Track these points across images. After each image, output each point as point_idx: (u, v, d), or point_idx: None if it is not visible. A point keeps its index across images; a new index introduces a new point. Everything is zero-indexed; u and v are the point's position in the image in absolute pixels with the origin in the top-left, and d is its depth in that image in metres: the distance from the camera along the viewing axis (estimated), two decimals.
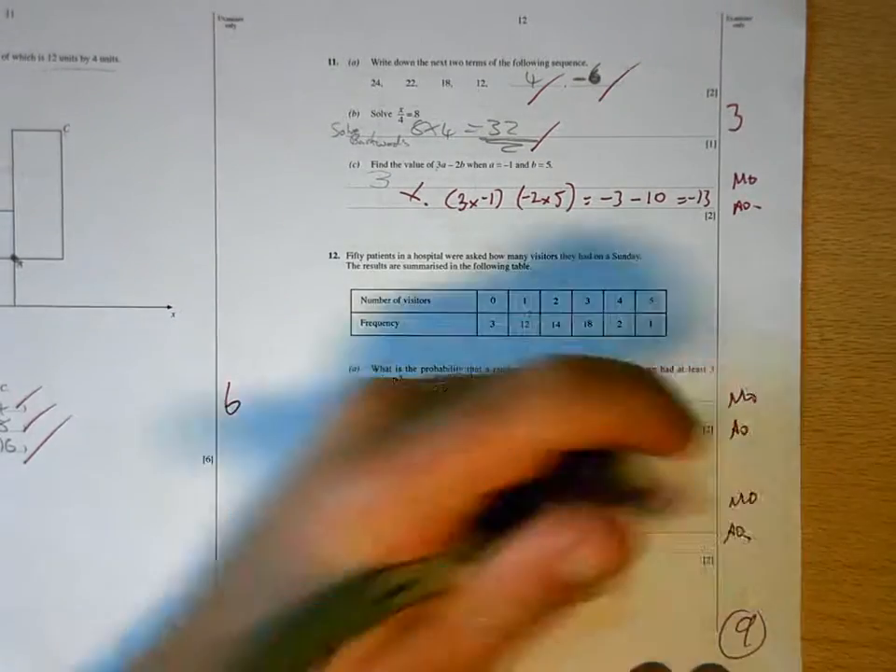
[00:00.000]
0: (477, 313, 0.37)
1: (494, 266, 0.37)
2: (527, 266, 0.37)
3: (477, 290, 0.37)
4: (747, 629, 0.37)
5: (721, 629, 0.37)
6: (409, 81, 0.37)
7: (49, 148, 0.37)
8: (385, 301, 0.37)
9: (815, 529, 0.37)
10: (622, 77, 0.37)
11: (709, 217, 0.37)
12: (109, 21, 0.37)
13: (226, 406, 0.37)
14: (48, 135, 0.37)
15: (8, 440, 0.37)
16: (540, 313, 0.37)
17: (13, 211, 0.37)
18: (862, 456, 0.38)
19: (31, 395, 0.37)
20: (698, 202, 0.37)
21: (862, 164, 0.38)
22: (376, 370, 0.37)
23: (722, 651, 0.37)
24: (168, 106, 0.37)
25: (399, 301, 0.37)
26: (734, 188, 0.37)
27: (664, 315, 0.37)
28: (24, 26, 0.37)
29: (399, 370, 0.37)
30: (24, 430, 0.37)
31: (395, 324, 0.37)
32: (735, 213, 0.37)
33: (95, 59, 0.37)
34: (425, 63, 0.37)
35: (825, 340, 0.38)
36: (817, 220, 0.38)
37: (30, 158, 0.37)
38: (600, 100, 0.37)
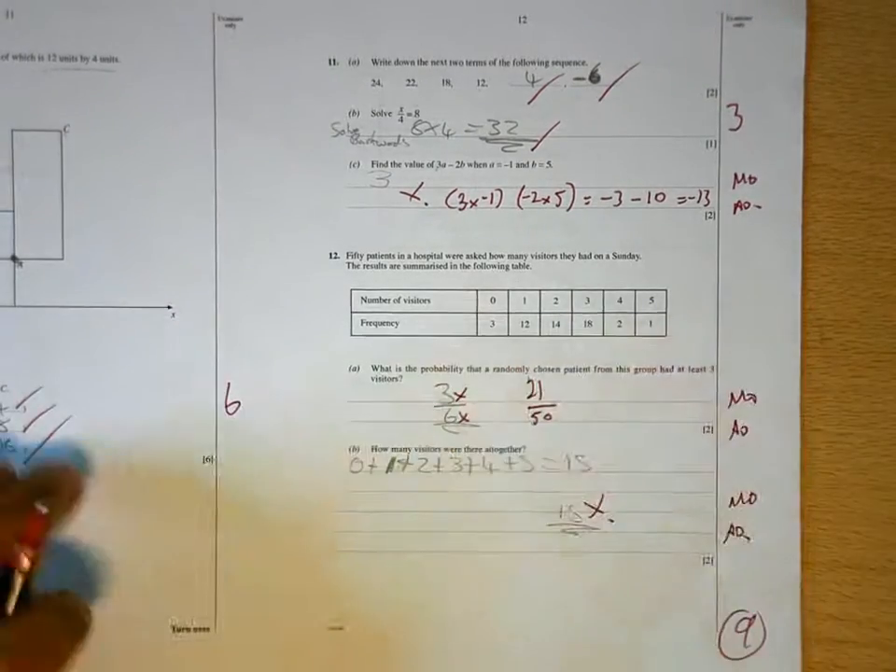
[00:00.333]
0: (477, 312, 0.37)
1: (494, 266, 0.37)
2: (527, 266, 0.37)
3: (477, 290, 0.37)
4: (746, 630, 0.37)
5: (721, 630, 0.37)
6: (409, 81, 0.37)
7: (50, 149, 0.37)
8: (385, 300, 0.37)
9: (815, 529, 0.37)
10: (622, 76, 0.37)
11: (709, 217, 0.37)
12: (109, 21, 0.37)
13: (226, 406, 0.37)
14: (48, 136, 0.37)
15: (8, 440, 0.37)
16: (540, 313, 0.37)
17: (13, 211, 0.37)
18: (862, 456, 0.38)
19: (31, 395, 0.37)
20: (698, 201, 0.37)
21: (862, 163, 0.38)
22: (376, 369, 0.37)
23: (722, 652, 0.37)
24: (168, 106, 0.37)
25: (399, 301, 0.37)
26: (734, 188, 0.37)
27: (664, 314, 0.37)
28: (24, 27, 0.37)
29: (399, 369, 0.37)
30: (24, 431, 0.37)
31: (395, 324, 0.37)
32: (735, 213, 0.37)
33: (95, 59, 0.37)
34: (425, 63, 0.37)
35: (825, 340, 0.38)
36: (817, 220, 0.38)
37: (30, 158, 0.37)
38: (600, 100, 0.37)
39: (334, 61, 0.37)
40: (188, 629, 0.37)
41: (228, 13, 0.37)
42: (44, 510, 0.33)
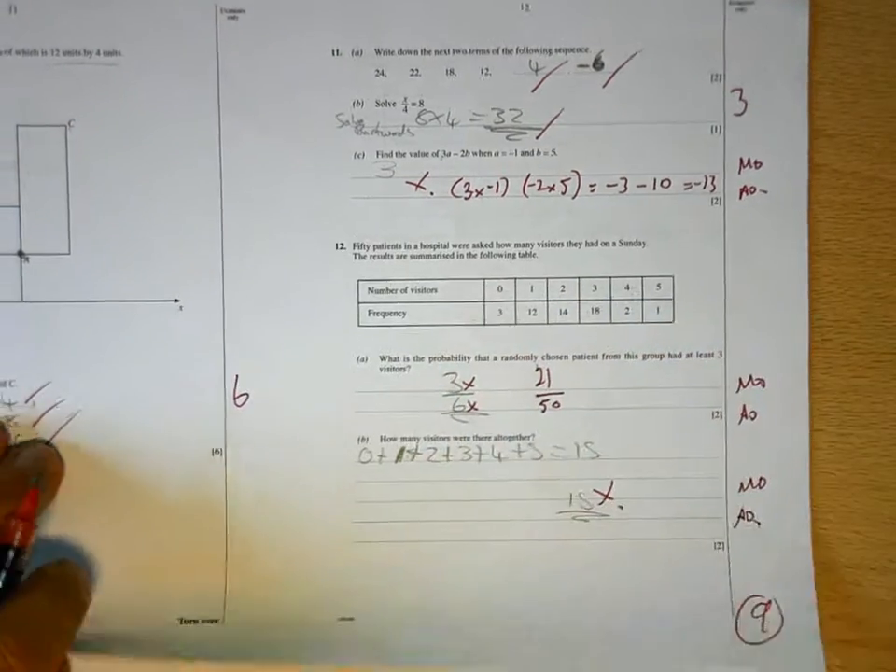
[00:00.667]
0: (484, 301, 0.37)
1: (500, 255, 0.37)
2: (534, 254, 0.37)
3: (484, 279, 0.37)
4: (763, 615, 0.37)
5: (737, 615, 0.37)
6: (413, 71, 0.37)
7: (55, 143, 0.37)
8: (392, 291, 0.37)
9: (815, 529, 0.37)
10: (625, 63, 0.37)
11: (716, 203, 0.37)
12: (111, 14, 0.37)
13: (234, 399, 0.37)
14: (53, 130, 0.37)
15: (18, 435, 0.37)
16: (547, 301, 0.37)
17: (19, 207, 0.37)
18: (862, 456, 0.38)
19: (39, 390, 0.37)
20: (704, 187, 0.37)
21: (863, 164, 0.38)
22: (384, 360, 0.37)
23: (740, 637, 0.37)
24: (172, 99, 0.37)
25: (406, 290, 0.37)
26: (739, 173, 0.37)
27: (671, 300, 0.37)
28: (27, 21, 0.37)
29: (407, 359, 0.37)
30: (34, 426, 0.37)
31: (402, 314, 0.37)
32: (741, 198, 0.37)
33: (98, 53, 0.37)
34: (428, 53, 0.37)
35: (825, 340, 0.38)
36: (818, 220, 0.37)
37: (35, 153, 0.37)
38: (604, 87, 0.37)
39: (337, 51, 0.37)
40: (195, 621, 0.37)
41: (230, 5, 0.37)
42: (37, 486, 0.34)
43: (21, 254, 0.37)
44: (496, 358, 0.37)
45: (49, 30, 0.37)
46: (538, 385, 0.37)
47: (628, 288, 0.37)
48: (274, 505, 0.37)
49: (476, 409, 0.37)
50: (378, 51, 0.37)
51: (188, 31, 0.37)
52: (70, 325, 0.37)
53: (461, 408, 0.37)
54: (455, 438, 0.37)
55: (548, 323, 0.37)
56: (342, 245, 0.37)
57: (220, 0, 0.37)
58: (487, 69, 0.37)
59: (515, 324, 0.37)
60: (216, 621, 0.37)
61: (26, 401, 0.37)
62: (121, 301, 0.37)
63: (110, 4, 0.37)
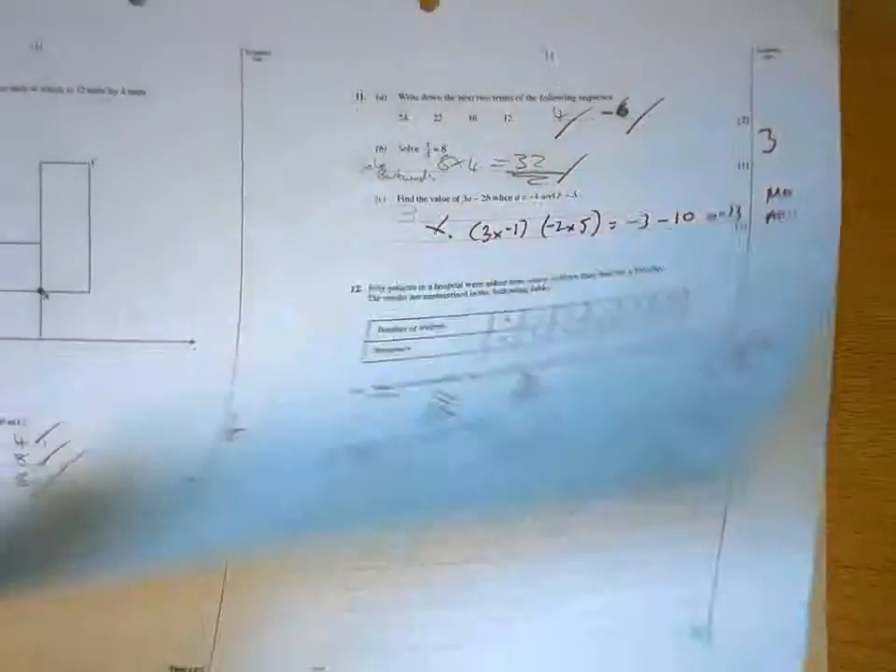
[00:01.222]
0: (490, 332, 0.37)
1: (514, 290, 0.37)
2: (547, 288, 0.37)
3: (493, 313, 0.37)
4: None
5: None
6: (436, 116, 0.37)
7: (78, 181, 0.37)
8: (401, 329, 0.37)
9: None
10: (650, 109, 0.37)
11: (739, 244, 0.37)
12: (136, 53, 0.37)
13: (233, 433, 0.37)
14: (76, 168, 0.37)
15: (25, 473, 0.36)
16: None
17: (40, 244, 0.37)
18: (862, 456, 0.37)
19: (51, 430, 0.36)
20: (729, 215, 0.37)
21: (865, 162, 0.38)
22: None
23: None
24: (195, 140, 0.37)
25: (415, 329, 0.37)
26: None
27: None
28: (52, 58, 0.37)
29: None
30: (44, 464, 0.36)
31: (408, 349, 0.37)
32: (766, 224, 0.37)
33: (123, 91, 0.37)
34: (451, 98, 0.37)
35: None
36: None
37: (58, 191, 0.37)
38: (628, 133, 0.37)
39: (361, 95, 0.37)
40: (182, 669, 0.36)
41: (256, 47, 0.37)
42: None
43: (41, 291, 0.37)
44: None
45: (74, 67, 0.37)
46: None
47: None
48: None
49: None
50: (402, 96, 0.37)
51: (213, 71, 0.37)
52: (85, 364, 0.36)
53: None
54: None
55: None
56: (357, 287, 0.37)
57: (246, 42, 0.37)
58: (510, 116, 0.37)
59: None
60: (200, 669, 0.36)
61: (37, 441, 0.36)
62: (139, 342, 0.37)
63: (136, 42, 0.37)
